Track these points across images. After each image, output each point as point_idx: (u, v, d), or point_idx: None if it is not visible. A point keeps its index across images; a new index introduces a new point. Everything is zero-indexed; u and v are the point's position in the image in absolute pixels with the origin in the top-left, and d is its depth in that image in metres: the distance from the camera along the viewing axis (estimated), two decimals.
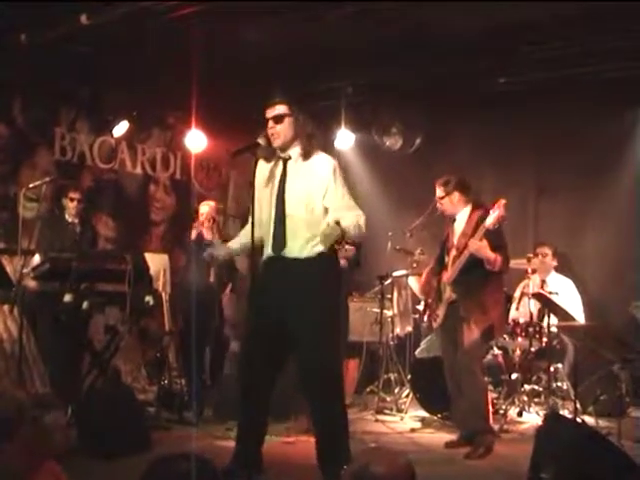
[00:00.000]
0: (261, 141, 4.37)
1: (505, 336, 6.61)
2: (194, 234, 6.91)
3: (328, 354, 4.38)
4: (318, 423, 4.49)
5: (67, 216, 6.66)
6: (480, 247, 5.32)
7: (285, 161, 4.43)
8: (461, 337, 5.46)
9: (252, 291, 4.56)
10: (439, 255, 5.88)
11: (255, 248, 4.31)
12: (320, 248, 4.31)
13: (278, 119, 4.37)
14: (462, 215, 5.68)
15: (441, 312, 5.66)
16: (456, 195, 5.67)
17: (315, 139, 4.44)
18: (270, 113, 4.40)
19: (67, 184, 7.13)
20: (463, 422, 5.65)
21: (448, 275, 5.60)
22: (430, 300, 5.90)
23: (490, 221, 5.30)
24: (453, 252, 5.63)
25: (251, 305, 4.62)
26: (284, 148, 4.43)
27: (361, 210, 4.45)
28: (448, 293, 5.59)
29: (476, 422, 5.45)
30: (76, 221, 6.67)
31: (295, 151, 4.43)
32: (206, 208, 7.02)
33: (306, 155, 4.39)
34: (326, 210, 4.36)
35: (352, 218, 4.32)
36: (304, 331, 4.32)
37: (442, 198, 5.73)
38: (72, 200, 6.62)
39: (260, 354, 4.34)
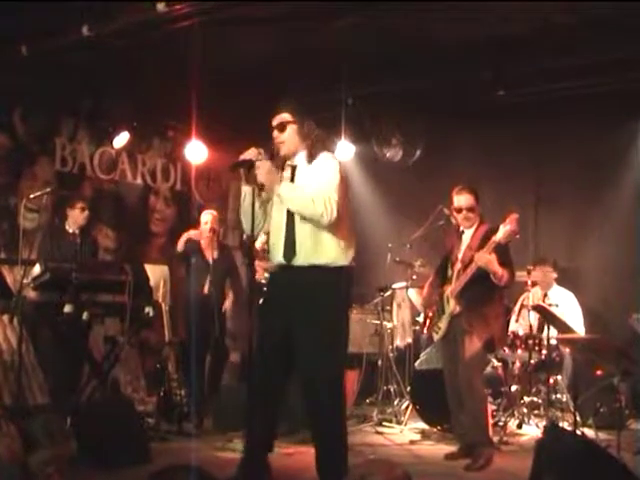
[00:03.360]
0: (261, 155, 4.33)
1: (505, 348, 6.59)
2: (182, 242, 6.99)
3: (331, 367, 4.33)
4: (318, 435, 4.45)
5: (68, 226, 6.68)
6: (489, 261, 5.29)
7: (293, 168, 4.42)
8: (463, 349, 5.45)
9: (263, 300, 4.61)
10: (440, 267, 5.86)
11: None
12: (330, 257, 4.30)
13: (281, 127, 4.37)
14: (471, 229, 5.65)
15: (444, 324, 5.63)
16: (476, 207, 5.62)
17: (321, 143, 4.41)
18: (274, 122, 4.42)
19: (69, 195, 7.14)
20: (463, 434, 5.63)
21: (453, 288, 5.56)
22: (431, 313, 5.86)
23: (501, 235, 5.27)
24: (458, 265, 5.60)
25: (261, 313, 4.62)
26: (290, 156, 4.42)
27: (330, 205, 4.19)
28: (452, 306, 5.55)
29: (476, 434, 5.44)
30: (77, 232, 6.68)
31: (301, 157, 4.42)
32: (209, 217, 7.02)
33: (311, 159, 4.37)
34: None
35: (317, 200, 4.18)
36: (308, 342, 4.29)
37: (470, 210, 5.60)
38: (83, 210, 6.65)
39: (269, 364, 4.33)
